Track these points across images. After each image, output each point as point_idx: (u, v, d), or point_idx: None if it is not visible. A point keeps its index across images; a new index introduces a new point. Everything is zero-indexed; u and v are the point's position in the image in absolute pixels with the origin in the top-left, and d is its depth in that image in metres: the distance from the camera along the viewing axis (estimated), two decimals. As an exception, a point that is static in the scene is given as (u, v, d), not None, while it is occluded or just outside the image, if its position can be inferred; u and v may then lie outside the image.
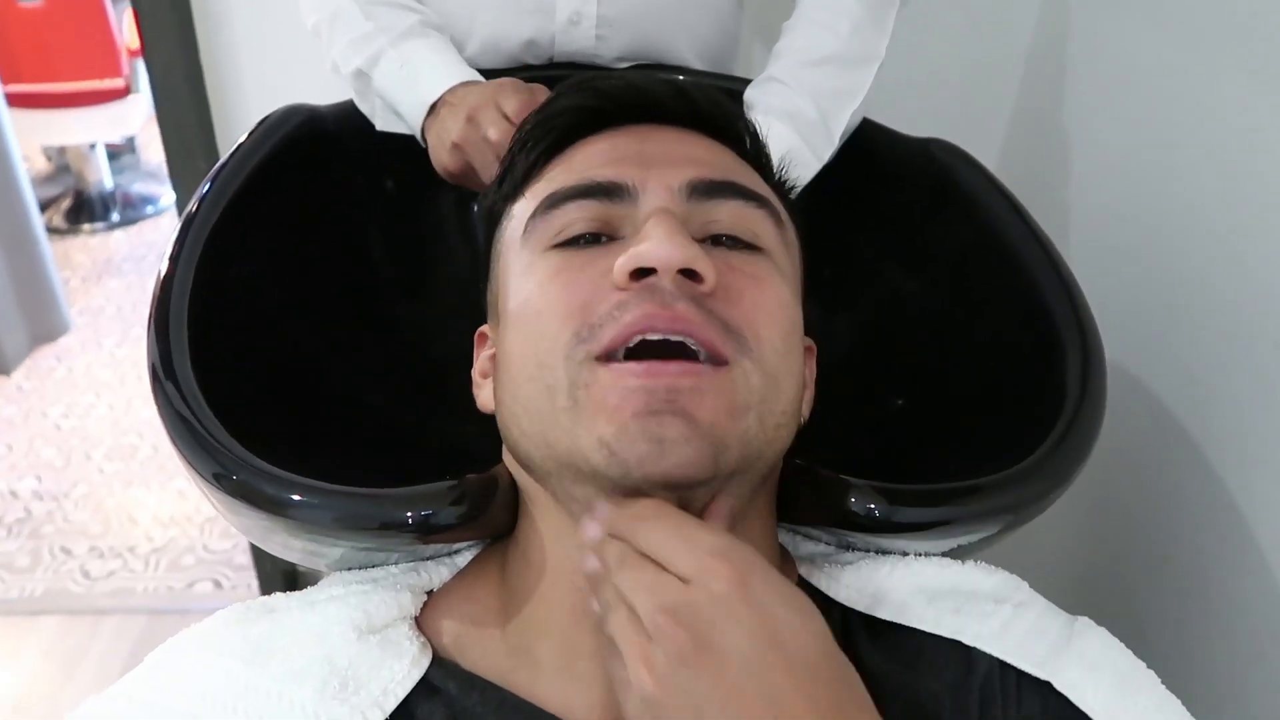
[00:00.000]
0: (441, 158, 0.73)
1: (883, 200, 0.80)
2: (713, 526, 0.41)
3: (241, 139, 0.71)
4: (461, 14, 0.80)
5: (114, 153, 3.21)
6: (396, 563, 0.51)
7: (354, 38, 0.76)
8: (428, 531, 0.46)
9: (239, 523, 0.52)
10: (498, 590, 0.50)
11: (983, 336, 0.70)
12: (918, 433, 0.69)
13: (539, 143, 0.55)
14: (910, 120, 0.81)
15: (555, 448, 0.44)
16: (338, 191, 0.78)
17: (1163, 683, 0.48)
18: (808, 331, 0.52)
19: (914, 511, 0.50)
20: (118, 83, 2.64)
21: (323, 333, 0.71)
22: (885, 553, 0.53)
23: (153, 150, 3.33)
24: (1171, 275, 0.83)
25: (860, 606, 0.49)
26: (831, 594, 0.50)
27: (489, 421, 0.52)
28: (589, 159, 0.52)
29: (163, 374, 0.53)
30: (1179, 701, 0.48)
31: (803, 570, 0.52)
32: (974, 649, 0.47)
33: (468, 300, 0.63)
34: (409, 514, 0.46)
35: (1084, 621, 0.50)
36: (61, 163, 3.19)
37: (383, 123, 0.79)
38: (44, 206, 2.91)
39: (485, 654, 0.47)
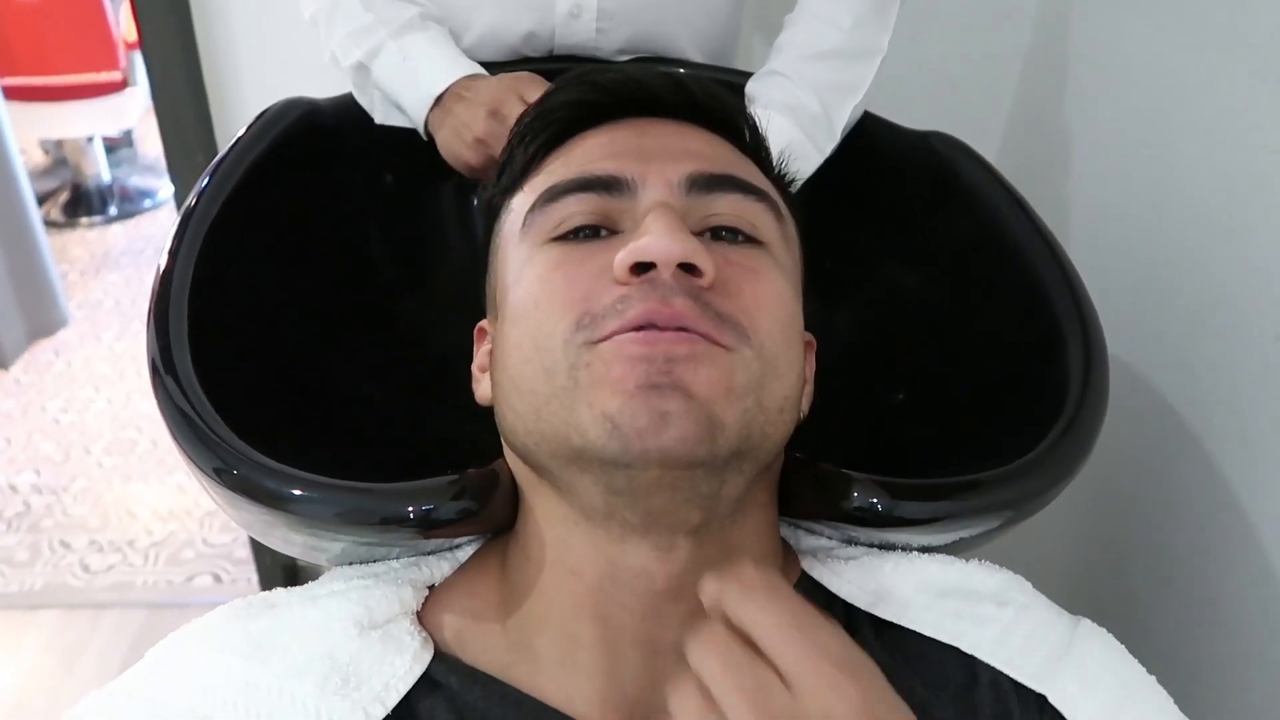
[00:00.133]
0: (461, 153, 0.73)
1: (883, 194, 0.80)
2: (834, 626, 0.35)
3: (240, 132, 0.71)
4: (461, 6, 0.80)
5: (111, 146, 3.20)
6: (398, 557, 0.51)
7: (353, 30, 0.75)
8: (429, 526, 0.46)
9: (239, 518, 0.52)
10: (498, 585, 0.50)
11: (984, 330, 0.70)
12: (919, 427, 0.69)
13: (538, 136, 0.54)
14: (911, 113, 0.81)
15: (547, 424, 0.43)
16: (337, 185, 0.78)
17: (1164, 677, 0.48)
18: (808, 326, 0.52)
19: (916, 506, 0.49)
20: (115, 76, 2.64)
21: (322, 327, 0.71)
22: (888, 548, 0.53)
23: (150, 143, 3.32)
24: (1172, 269, 0.83)
25: (862, 604, 0.49)
26: (834, 589, 0.50)
27: (488, 417, 0.52)
28: (588, 152, 0.51)
29: (163, 368, 0.53)
30: (1178, 712, 0.48)
31: (805, 565, 0.52)
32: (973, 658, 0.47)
33: (467, 295, 0.62)
34: (410, 509, 0.46)
35: (1085, 627, 0.50)
36: (59, 156, 3.19)
37: (382, 116, 0.78)
38: (41, 200, 2.91)
39: (486, 649, 0.47)
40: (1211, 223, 0.77)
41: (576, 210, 0.48)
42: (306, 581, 0.51)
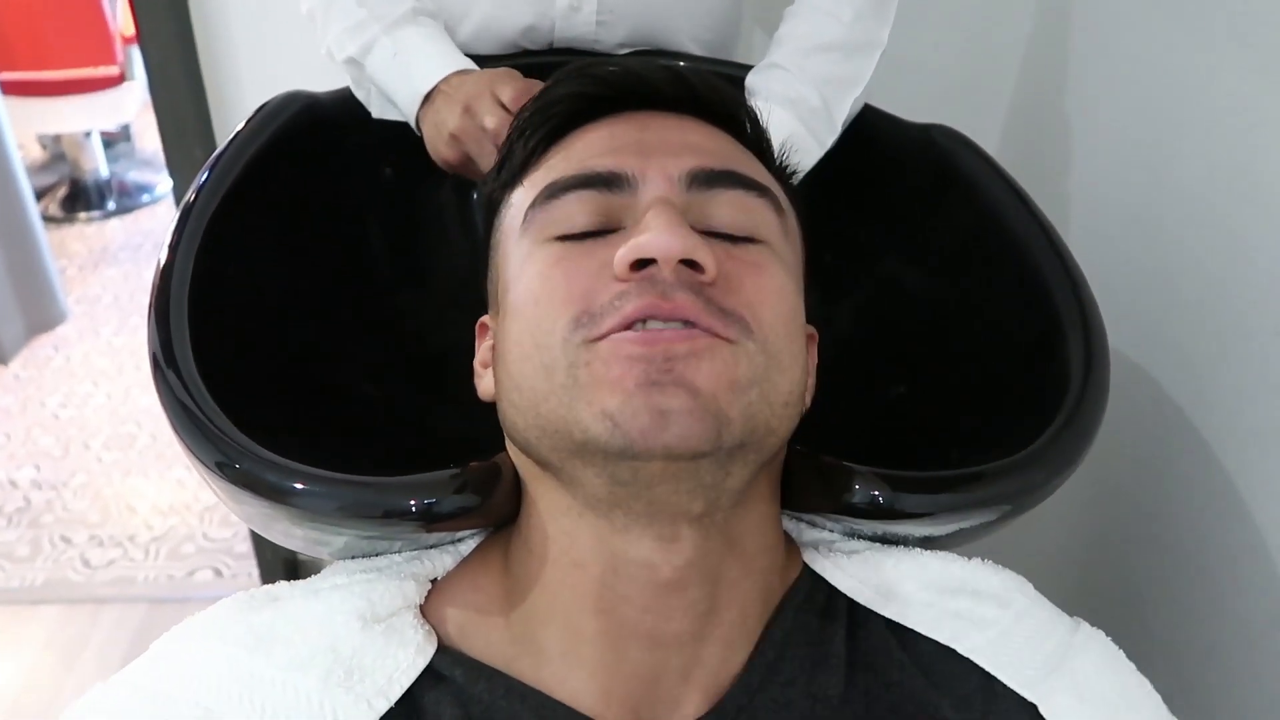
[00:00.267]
0: (439, 148, 0.73)
1: (884, 187, 0.80)
2: None
3: (239, 126, 0.71)
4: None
5: (109, 140, 3.20)
6: (399, 551, 0.51)
7: (347, 25, 0.75)
8: (431, 520, 0.46)
9: (241, 511, 0.52)
10: (501, 578, 0.50)
11: (985, 323, 0.70)
12: (920, 420, 0.69)
13: (537, 130, 0.54)
14: (911, 106, 0.81)
15: (547, 419, 0.43)
16: (337, 179, 0.77)
17: (1164, 670, 0.48)
18: (808, 319, 0.52)
19: (917, 499, 0.50)
20: (112, 70, 2.63)
21: (322, 321, 0.71)
22: (890, 541, 0.53)
23: (148, 138, 3.32)
24: (1172, 263, 0.83)
25: (863, 599, 0.50)
26: (836, 583, 0.50)
27: (490, 412, 0.52)
28: (588, 147, 0.51)
29: (164, 362, 0.53)
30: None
31: (807, 557, 0.52)
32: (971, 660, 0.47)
33: (467, 289, 0.62)
34: (412, 502, 0.46)
35: (1084, 634, 0.50)
36: (57, 151, 3.18)
37: (378, 110, 0.78)
38: (40, 195, 2.91)
39: (490, 642, 0.47)
40: (1212, 216, 0.77)
41: (577, 207, 0.48)
42: (307, 576, 0.51)
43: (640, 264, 0.44)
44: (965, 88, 1.20)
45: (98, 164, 3.04)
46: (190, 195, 0.64)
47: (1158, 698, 0.49)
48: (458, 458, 0.48)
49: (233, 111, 1.27)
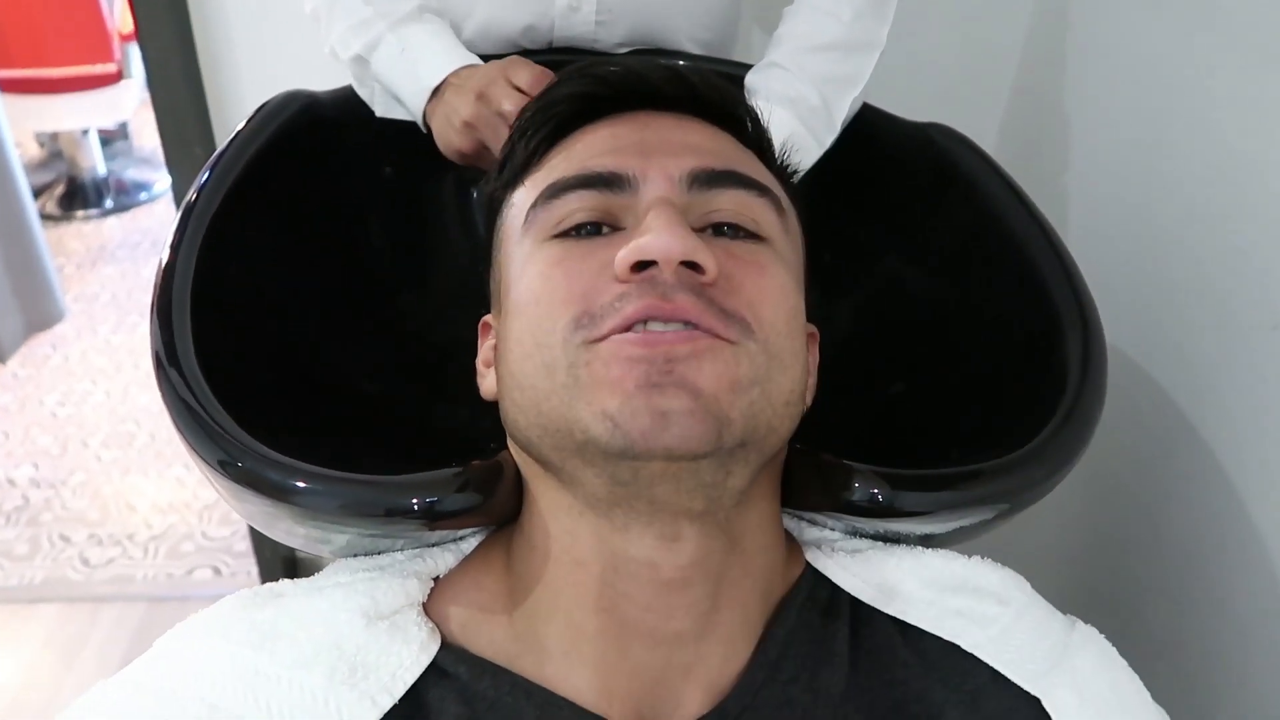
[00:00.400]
0: (451, 138, 0.73)
1: (883, 185, 0.80)
2: None
3: (240, 126, 0.71)
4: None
5: (107, 138, 3.19)
6: (401, 549, 0.51)
7: (352, 23, 0.75)
8: (433, 518, 0.47)
9: (243, 509, 0.52)
10: (504, 576, 0.50)
11: (983, 321, 0.70)
12: (919, 418, 0.69)
13: (539, 130, 0.54)
14: (910, 105, 0.81)
15: (548, 418, 0.44)
16: (337, 179, 0.78)
17: (1161, 666, 0.49)
18: (809, 317, 0.52)
19: (916, 496, 0.50)
20: (110, 68, 2.62)
21: (324, 320, 0.71)
22: (890, 538, 0.53)
23: (146, 136, 3.32)
24: (1170, 259, 0.83)
25: (865, 597, 0.50)
26: (839, 582, 0.51)
27: (491, 410, 0.52)
28: (589, 148, 0.51)
29: (166, 361, 0.53)
30: (1164, 716, 0.48)
31: (809, 556, 0.52)
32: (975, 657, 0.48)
33: (468, 288, 0.63)
34: (414, 500, 0.46)
35: (1080, 631, 0.51)
36: (54, 149, 3.18)
37: (382, 109, 0.78)
38: (37, 193, 2.90)
39: (493, 640, 0.47)
40: (1209, 213, 0.77)
41: (578, 207, 0.48)
42: (306, 574, 0.51)
43: (641, 265, 0.44)
44: (964, 87, 1.21)
45: (95, 162, 3.04)
46: (191, 195, 0.64)
47: (1149, 697, 0.50)
48: (459, 456, 0.49)
49: (232, 109, 1.27)
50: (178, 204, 0.64)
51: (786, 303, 0.47)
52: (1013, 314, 0.67)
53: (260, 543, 1.61)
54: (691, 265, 0.44)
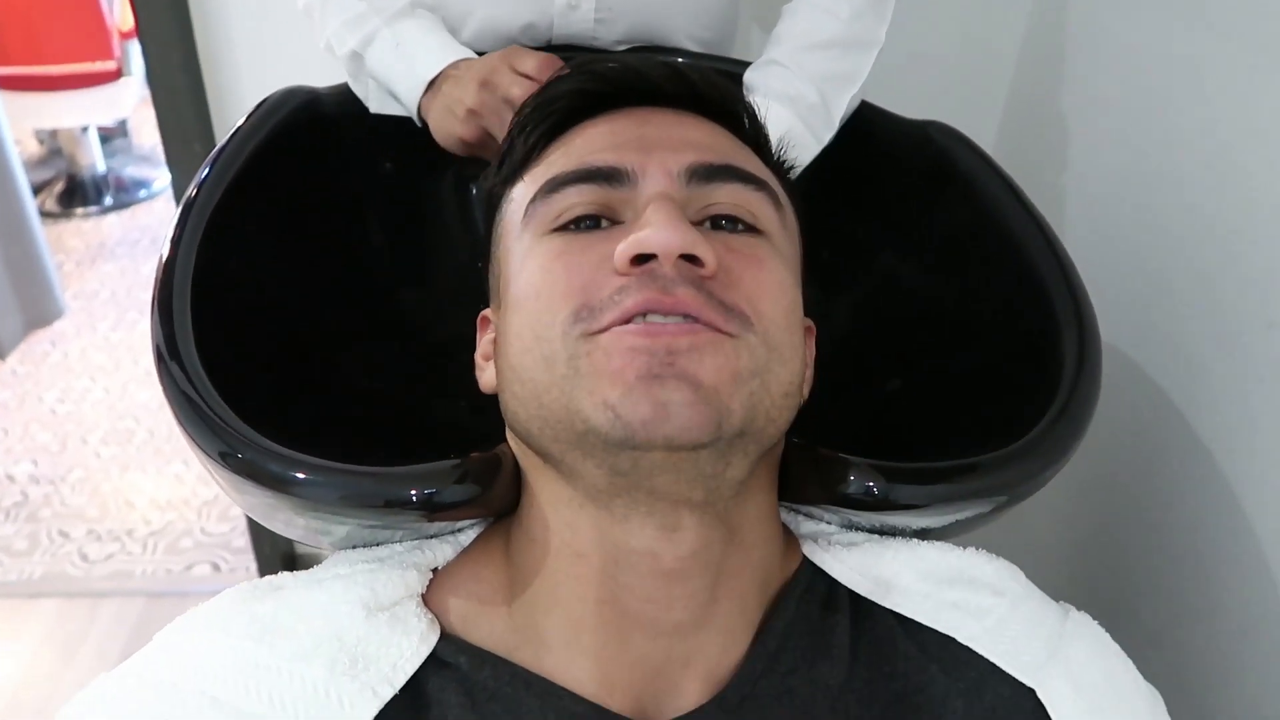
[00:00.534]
0: (454, 128, 0.73)
1: (881, 183, 0.81)
2: None
3: (240, 122, 0.71)
4: (459, -2, 0.80)
5: (106, 136, 3.19)
6: (400, 540, 0.52)
7: (347, 19, 0.76)
8: (432, 509, 0.47)
9: (244, 501, 0.53)
10: (503, 568, 0.50)
11: (979, 317, 0.70)
12: (916, 413, 0.70)
13: (538, 126, 0.55)
14: (908, 103, 0.81)
15: (549, 409, 0.44)
16: (337, 174, 0.78)
17: (1156, 661, 0.49)
18: (806, 312, 0.53)
19: (912, 489, 0.50)
20: (109, 65, 2.62)
21: (323, 315, 0.71)
22: (887, 532, 0.53)
23: (145, 133, 3.31)
24: (1166, 258, 0.83)
25: (862, 590, 0.50)
26: (836, 575, 0.51)
27: (490, 404, 0.53)
28: (588, 143, 0.52)
29: (167, 355, 0.53)
30: (1162, 708, 0.49)
31: (806, 549, 0.53)
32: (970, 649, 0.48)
33: (467, 283, 0.63)
34: (413, 492, 0.46)
35: (1074, 620, 0.51)
36: (54, 146, 3.17)
37: (377, 104, 0.79)
38: (37, 190, 2.90)
39: (493, 631, 0.47)
40: (1206, 211, 0.78)
41: (577, 201, 0.48)
42: (305, 569, 0.51)
43: (641, 259, 0.44)
44: (962, 85, 1.21)
45: (95, 159, 3.04)
46: (191, 190, 0.64)
47: (1144, 682, 0.50)
48: (458, 449, 0.49)
49: (232, 107, 1.27)
50: (178, 201, 0.64)
51: (785, 296, 0.48)
52: (1009, 310, 0.67)
53: (259, 538, 1.62)
54: (691, 258, 0.44)
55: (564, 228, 0.48)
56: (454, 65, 0.73)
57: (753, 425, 0.44)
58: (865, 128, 0.80)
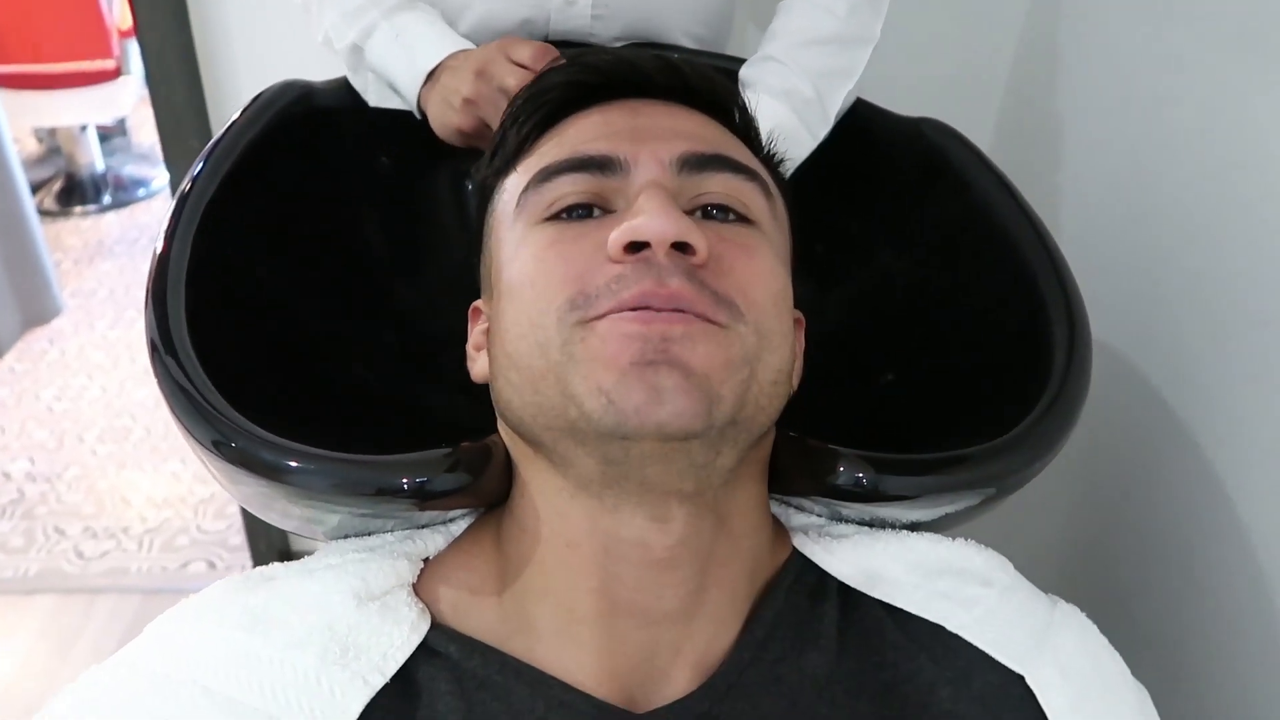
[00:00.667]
0: (451, 118, 0.73)
1: (874, 178, 0.81)
2: None
3: (236, 115, 0.71)
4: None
5: (105, 135, 3.19)
6: (392, 530, 0.52)
7: (346, 11, 0.76)
8: (424, 498, 0.47)
9: (238, 492, 0.53)
10: (494, 558, 0.50)
11: (971, 312, 0.70)
12: (908, 407, 0.70)
13: (530, 117, 0.55)
14: (902, 99, 0.82)
15: (543, 396, 0.44)
16: (333, 168, 0.78)
17: (1147, 658, 0.50)
18: (800, 308, 0.53)
19: (901, 481, 0.50)
20: (108, 64, 2.63)
21: (318, 307, 0.72)
22: (877, 525, 0.54)
23: (144, 132, 3.32)
24: (1157, 255, 0.84)
25: (853, 582, 0.50)
26: (825, 566, 0.51)
27: (483, 396, 0.53)
28: (581, 133, 0.52)
29: (162, 347, 0.54)
30: (1146, 697, 0.49)
31: (796, 541, 0.53)
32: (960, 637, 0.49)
33: (461, 276, 0.63)
34: (404, 480, 0.46)
35: (1062, 610, 0.51)
36: (52, 145, 3.17)
37: (376, 98, 0.79)
38: (35, 189, 2.90)
39: (484, 621, 0.48)
40: (1200, 210, 0.78)
41: (570, 190, 0.49)
42: (301, 563, 0.51)
43: (634, 246, 0.44)
44: (956, 82, 1.21)
45: (93, 158, 3.04)
46: (186, 183, 0.64)
47: (1131, 676, 0.50)
48: (451, 440, 0.49)
49: (230, 105, 1.27)
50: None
51: (775, 284, 0.48)
52: (1001, 304, 0.68)
53: (255, 537, 1.62)
54: (683, 247, 0.44)
55: (556, 216, 0.49)
56: (452, 56, 0.74)
57: (742, 413, 0.44)
58: (859, 124, 0.80)
